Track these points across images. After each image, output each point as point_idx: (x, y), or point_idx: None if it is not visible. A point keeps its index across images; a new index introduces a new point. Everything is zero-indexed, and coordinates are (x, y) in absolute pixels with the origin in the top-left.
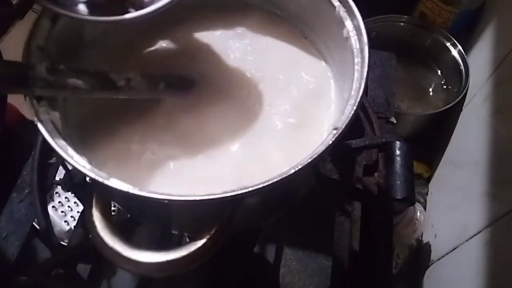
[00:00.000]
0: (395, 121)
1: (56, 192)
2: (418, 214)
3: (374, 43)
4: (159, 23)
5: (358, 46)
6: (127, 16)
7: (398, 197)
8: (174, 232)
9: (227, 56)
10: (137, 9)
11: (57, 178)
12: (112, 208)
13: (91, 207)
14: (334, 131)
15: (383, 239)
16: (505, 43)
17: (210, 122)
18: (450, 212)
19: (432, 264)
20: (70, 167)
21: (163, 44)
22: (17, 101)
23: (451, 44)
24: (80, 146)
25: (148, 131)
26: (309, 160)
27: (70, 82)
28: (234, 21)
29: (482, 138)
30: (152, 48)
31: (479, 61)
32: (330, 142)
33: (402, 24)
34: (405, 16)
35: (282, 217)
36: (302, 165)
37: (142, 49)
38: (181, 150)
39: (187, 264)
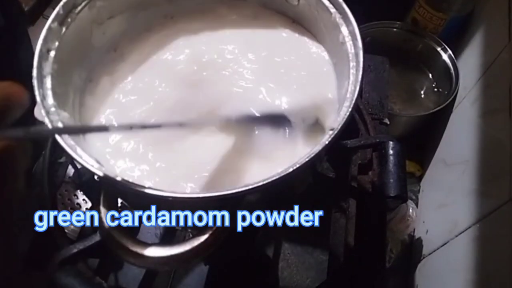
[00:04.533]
0: (388, 122)
1: (66, 190)
2: (410, 210)
3: (369, 48)
4: (161, 19)
5: (353, 50)
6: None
7: (391, 195)
8: (178, 228)
9: (227, 54)
10: None
11: (66, 177)
12: (119, 205)
13: (99, 204)
14: (330, 132)
15: (377, 234)
16: (493, 48)
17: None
18: (440, 209)
19: (423, 258)
20: (79, 166)
21: (166, 39)
22: None
23: (441, 49)
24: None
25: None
26: (307, 159)
27: None
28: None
29: (471, 138)
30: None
31: (469, 65)
32: (327, 142)
33: (395, 29)
34: (398, 22)
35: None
36: (300, 164)
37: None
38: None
39: (190, 258)
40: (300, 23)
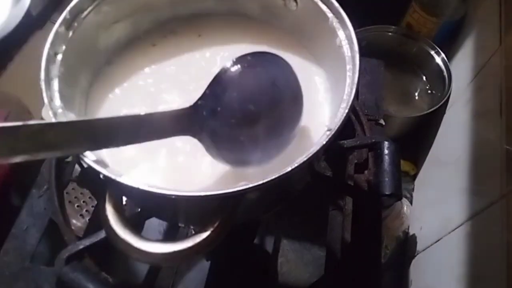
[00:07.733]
0: (383, 123)
1: (73, 188)
2: (405, 208)
3: (365, 51)
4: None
5: (349, 54)
6: None
7: (387, 193)
8: (181, 225)
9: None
10: None
11: (73, 176)
12: (124, 203)
13: (105, 202)
14: (328, 132)
15: (373, 231)
16: (484, 52)
17: None
18: (434, 207)
19: (417, 254)
20: (85, 165)
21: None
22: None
23: (435, 52)
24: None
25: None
26: (305, 159)
27: None
28: (234, 31)
29: (463, 138)
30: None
31: (461, 68)
32: (324, 142)
33: (390, 33)
34: (393, 27)
35: (280, 211)
36: (299, 164)
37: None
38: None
39: (192, 254)
40: (298, 27)
